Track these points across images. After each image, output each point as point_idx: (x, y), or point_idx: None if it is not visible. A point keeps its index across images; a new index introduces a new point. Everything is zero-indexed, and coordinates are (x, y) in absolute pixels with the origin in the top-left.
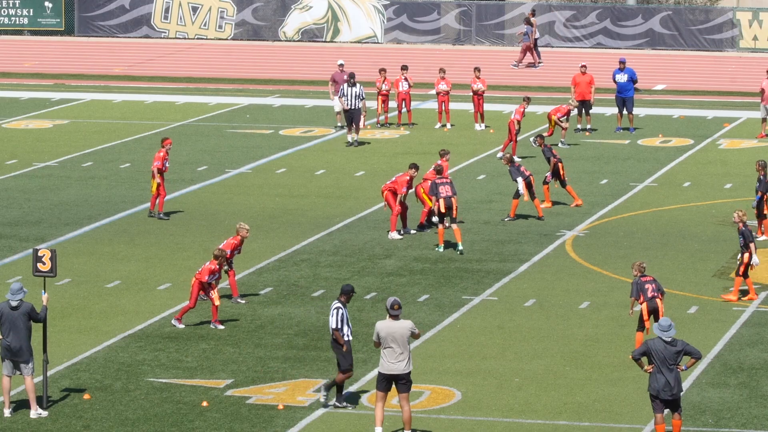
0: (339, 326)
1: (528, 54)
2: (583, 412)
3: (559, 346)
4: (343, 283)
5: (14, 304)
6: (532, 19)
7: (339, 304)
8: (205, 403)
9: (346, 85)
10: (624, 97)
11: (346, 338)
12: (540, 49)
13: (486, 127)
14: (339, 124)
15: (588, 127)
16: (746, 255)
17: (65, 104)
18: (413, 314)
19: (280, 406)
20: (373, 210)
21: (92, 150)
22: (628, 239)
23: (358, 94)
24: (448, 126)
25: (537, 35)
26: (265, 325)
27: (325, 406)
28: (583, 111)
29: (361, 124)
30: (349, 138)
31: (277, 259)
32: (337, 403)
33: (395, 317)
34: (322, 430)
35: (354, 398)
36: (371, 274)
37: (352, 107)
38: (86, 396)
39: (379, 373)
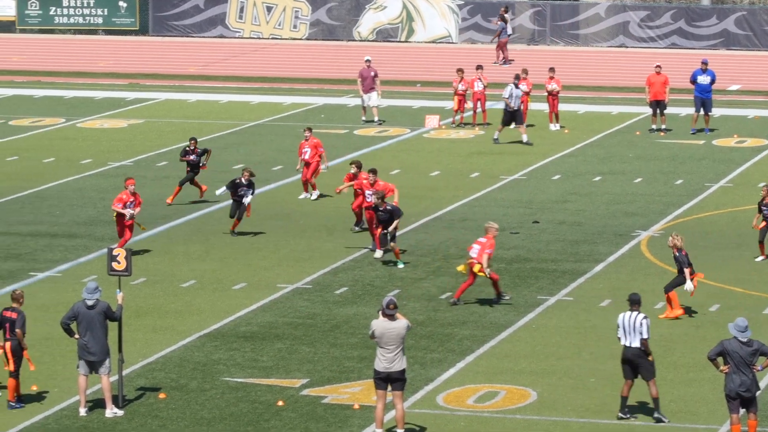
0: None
1: (502, 51)
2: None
3: None
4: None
5: (90, 303)
6: (506, 16)
7: (645, 315)
8: (280, 403)
9: (512, 86)
10: (704, 98)
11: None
12: (614, 49)
13: (561, 127)
14: (364, 119)
15: (663, 127)
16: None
17: (140, 104)
18: (489, 314)
19: (356, 406)
20: (449, 210)
21: (167, 149)
22: (703, 240)
23: (520, 95)
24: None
25: (510, 32)
26: (340, 325)
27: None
28: (658, 111)
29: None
30: (525, 138)
31: (351, 259)
32: (660, 416)
33: (390, 317)
34: None
35: (428, 401)
36: (446, 274)
37: (516, 107)
38: (162, 395)
39: (376, 371)
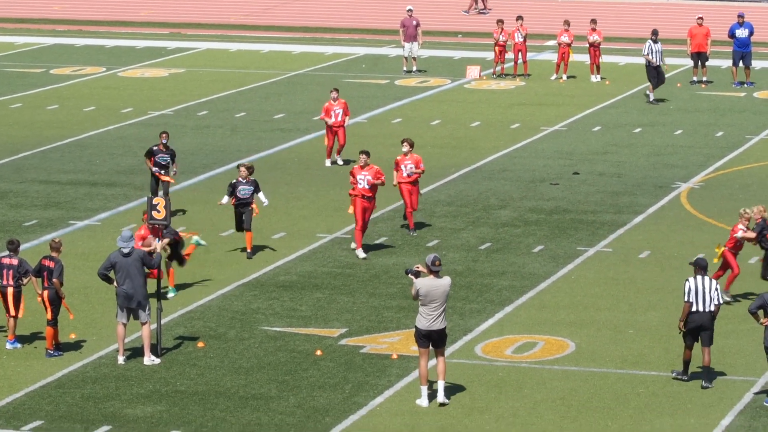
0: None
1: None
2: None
3: (673, 297)
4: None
5: (126, 251)
6: None
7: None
8: (319, 352)
9: (651, 42)
10: (743, 51)
11: None
12: (656, 0)
13: (602, 78)
14: (405, 69)
15: (704, 79)
16: None
17: (181, 53)
18: (528, 265)
19: (394, 356)
20: (489, 161)
21: (208, 99)
22: (743, 192)
23: (661, 50)
24: (564, 77)
25: None
26: (379, 275)
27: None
28: (699, 63)
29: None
30: (651, 96)
31: (392, 209)
32: (708, 385)
33: (436, 273)
34: None
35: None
36: (486, 225)
37: (660, 63)
38: (200, 344)
39: (418, 329)
